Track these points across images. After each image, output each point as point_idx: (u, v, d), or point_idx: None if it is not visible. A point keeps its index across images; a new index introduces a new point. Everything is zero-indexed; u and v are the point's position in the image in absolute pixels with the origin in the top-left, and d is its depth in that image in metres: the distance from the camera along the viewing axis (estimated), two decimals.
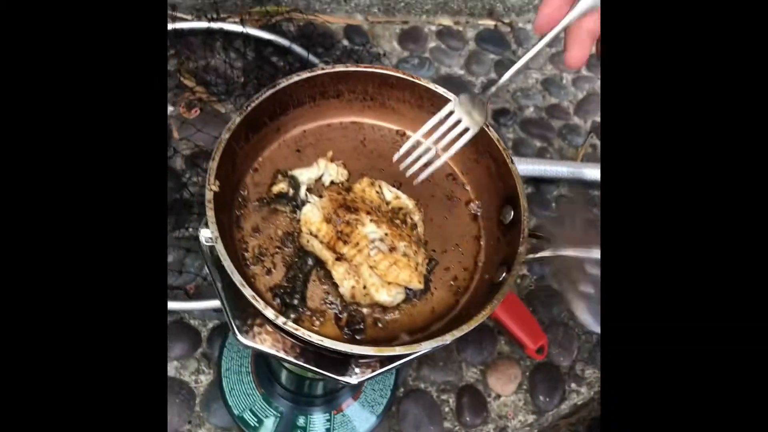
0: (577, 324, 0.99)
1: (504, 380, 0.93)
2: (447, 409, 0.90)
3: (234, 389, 0.83)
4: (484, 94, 0.56)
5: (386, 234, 0.53)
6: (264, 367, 0.84)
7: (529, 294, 1.00)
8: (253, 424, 0.82)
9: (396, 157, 0.57)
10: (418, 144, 0.56)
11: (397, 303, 0.52)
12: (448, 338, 0.48)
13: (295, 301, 0.52)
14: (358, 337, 0.51)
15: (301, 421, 0.83)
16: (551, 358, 0.95)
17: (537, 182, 1.11)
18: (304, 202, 0.55)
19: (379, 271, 0.51)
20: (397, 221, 0.55)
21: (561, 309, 0.99)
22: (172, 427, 0.81)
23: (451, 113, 0.55)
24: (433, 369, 0.91)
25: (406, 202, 0.57)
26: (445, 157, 0.56)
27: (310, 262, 0.53)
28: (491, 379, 0.92)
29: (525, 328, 0.93)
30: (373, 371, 0.54)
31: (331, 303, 0.52)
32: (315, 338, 0.46)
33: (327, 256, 0.52)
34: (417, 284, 0.52)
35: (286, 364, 0.73)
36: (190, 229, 0.90)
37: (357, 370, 0.53)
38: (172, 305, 0.86)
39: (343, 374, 0.54)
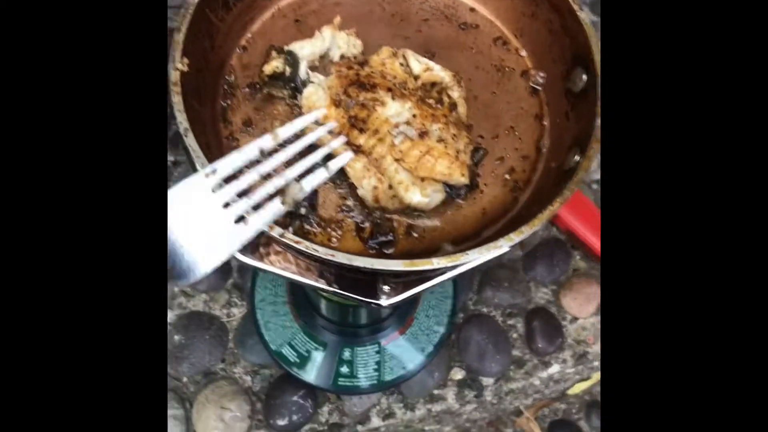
0: None
1: (581, 300, 0.80)
2: (515, 336, 0.78)
3: (270, 322, 0.74)
4: None
5: (414, 115, 0.40)
6: (301, 296, 0.74)
7: None
8: (292, 359, 0.73)
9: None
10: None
11: (434, 205, 0.40)
12: (503, 244, 0.35)
13: (303, 210, 0.40)
14: (387, 251, 0.39)
15: (346, 354, 0.73)
16: None
17: None
18: (305, 83, 0.42)
19: (408, 164, 0.39)
20: (431, 101, 0.42)
21: None
22: (204, 366, 0.73)
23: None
24: (497, 290, 0.79)
25: (441, 74, 0.43)
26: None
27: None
28: (566, 300, 0.80)
29: None
30: (406, 290, 0.43)
31: (350, 210, 0.40)
32: (322, 252, 0.34)
33: (339, 149, 0.40)
34: (460, 178, 0.39)
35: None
36: None
37: (386, 288, 0.42)
38: None
39: (370, 296, 0.43)
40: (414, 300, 0.77)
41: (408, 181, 0.39)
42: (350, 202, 0.41)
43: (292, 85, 0.42)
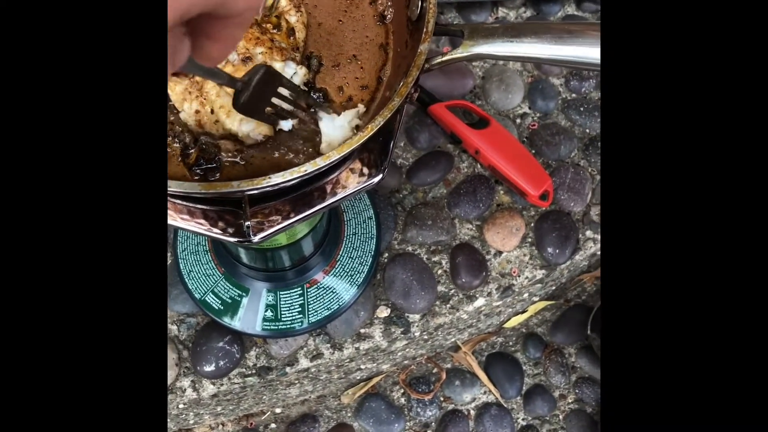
0: (591, 163, 0.84)
1: (504, 234, 0.81)
2: (440, 272, 0.79)
3: (193, 271, 0.76)
4: None
5: None
6: (220, 244, 0.75)
7: (531, 135, 0.86)
8: (217, 307, 0.74)
9: None
10: None
11: (257, 135, 0.41)
12: (307, 168, 0.36)
13: None
14: (212, 178, 0.40)
15: (270, 298, 0.75)
16: (559, 205, 0.82)
17: (537, 2, 0.93)
18: None
19: (230, 89, 0.39)
20: (268, 25, 0.42)
21: (570, 148, 0.84)
22: None
23: None
24: (421, 229, 0.80)
25: None
26: None
27: None
28: (489, 235, 0.81)
29: (525, 172, 0.80)
30: (273, 225, 0.45)
31: (177, 135, 0.41)
32: None
33: None
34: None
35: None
36: None
37: (249, 224, 0.43)
38: None
39: (237, 234, 0.44)
40: (335, 243, 0.78)
41: (229, 106, 0.39)
42: (178, 127, 0.41)
43: None
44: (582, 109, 0.87)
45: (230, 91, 0.39)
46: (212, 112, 0.39)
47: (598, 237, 0.82)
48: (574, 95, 0.88)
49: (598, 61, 0.38)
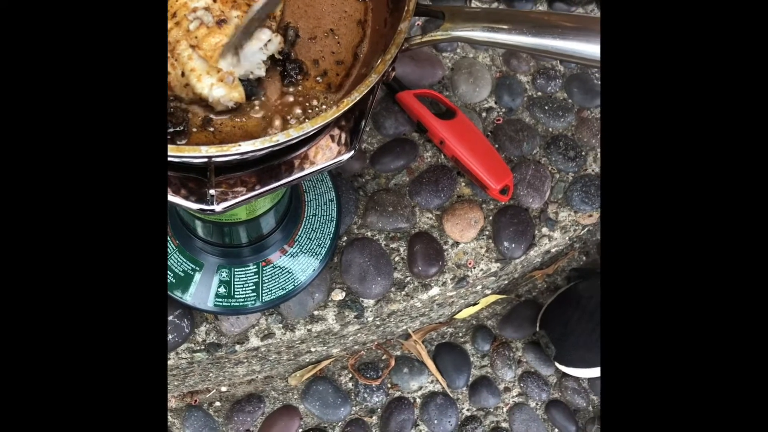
0: (551, 162, 0.85)
1: (463, 225, 0.81)
2: (397, 259, 0.79)
3: None
4: None
5: (214, 0, 0.39)
6: (176, 215, 0.74)
7: (495, 129, 0.86)
8: (168, 280, 0.73)
9: None
10: None
11: (228, 101, 0.40)
12: (280, 137, 0.35)
13: None
14: (180, 142, 0.39)
15: (224, 274, 0.74)
16: (518, 200, 0.83)
17: None
18: None
19: (204, 53, 0.38)
20: None
21: (532, 145, 0.86)
22: None
23: None
24: (381, 215, 0.80)
25: None
26: None
27: None
28: (448, 225, 0.81)
29: (487, 166, 0.80)
30: (237, 196, 0.44)
31: None
32: None
33: None
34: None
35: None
36: None
37: (213, 192, 0.42)
38: None
39: (200, 201, 0.43)
40: (294, 223, 0.77)
41: (202, 69, 0.38)
42: None
43: None
44: (546, 107, 0.88)
45: (203, 53, 0.38)
46: (183, 75, 0.38)
47: (554, 234, 0.83)
48: (539, 93, 0.89)
49: (575, 53, 0.38)
